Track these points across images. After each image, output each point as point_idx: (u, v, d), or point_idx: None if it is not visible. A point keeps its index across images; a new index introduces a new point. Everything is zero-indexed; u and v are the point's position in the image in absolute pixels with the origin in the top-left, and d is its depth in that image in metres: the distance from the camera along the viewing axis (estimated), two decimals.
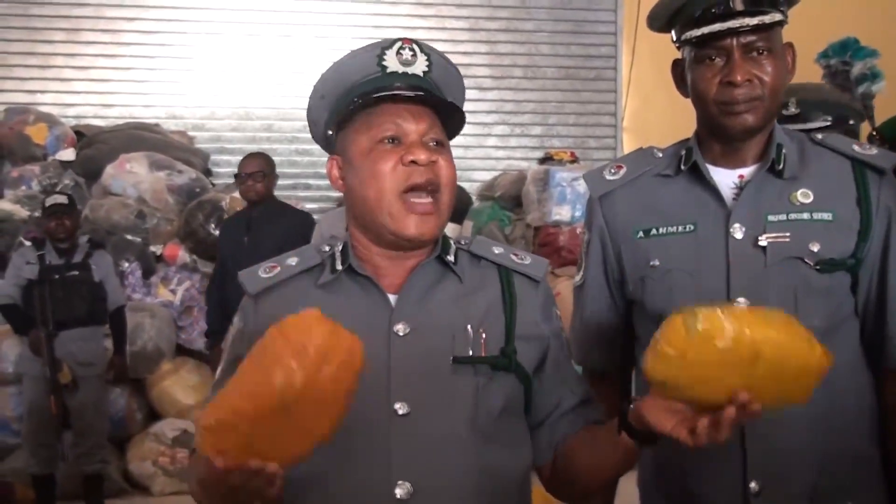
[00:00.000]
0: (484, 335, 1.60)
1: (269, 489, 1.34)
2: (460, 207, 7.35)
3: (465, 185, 7.90)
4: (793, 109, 2.82)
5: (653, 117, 8.05)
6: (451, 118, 1.67)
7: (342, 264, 1.65)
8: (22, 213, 6.77)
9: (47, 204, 5.38)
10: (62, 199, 5.41)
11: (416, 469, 1.52)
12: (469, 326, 1.60)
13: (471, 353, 1.58)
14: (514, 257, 1.72)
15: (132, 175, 6.92)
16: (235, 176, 5.48)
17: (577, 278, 2.12)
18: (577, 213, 6.84)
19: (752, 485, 1.84)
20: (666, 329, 1.37)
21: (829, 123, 2.86)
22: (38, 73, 8.18)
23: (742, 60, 1.81)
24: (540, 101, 8.96)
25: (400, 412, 1.53)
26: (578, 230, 6.54)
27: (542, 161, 7.84)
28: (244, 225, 5.32)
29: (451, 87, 1.72)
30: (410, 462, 1.52)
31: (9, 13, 8.12)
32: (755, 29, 1.81)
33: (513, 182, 7.54)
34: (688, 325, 1.34)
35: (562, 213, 6.90)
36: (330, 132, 1.70)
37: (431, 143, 1.61)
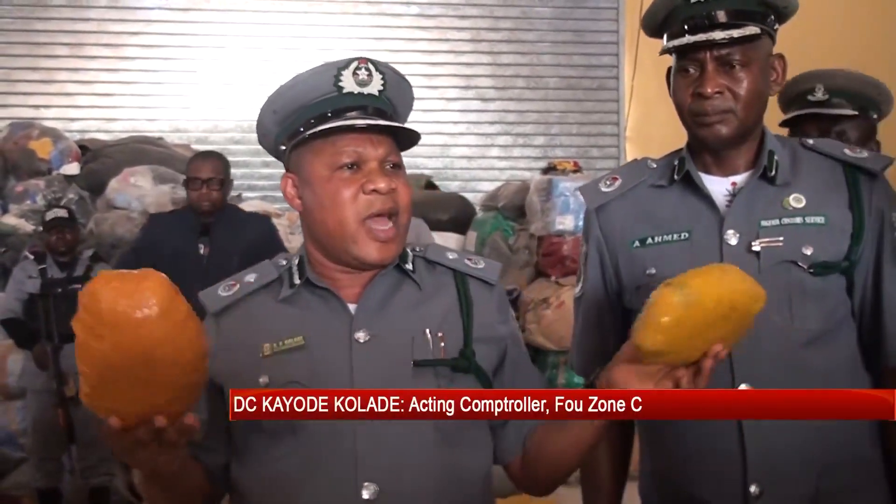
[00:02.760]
0: (443, 338, 1.64)
1: (167, 436, 1.37)
2: (463, 218, 7.35)
3: (469, 196, 7.91)
4: (819, 95, 2.84)
5: (656, 126, 8.04)
6: (405, 135, 1.69)
7: (300, 278, 1.69)
8: (27, 227, 6.77)
9: (47, 218, 5.39)
10: (62, 213, 5.42)
11: (381, 470, 1.56)
12: (428, 331, 1.64)
13: (431, 356, 1.62)
14: (468, 262, 1.77)
15: (136, 189, 6.92)
16: (186, 181, 4.70)
17: (577, 290, 2.14)
18: (581, 223, 6.80)
19: (753, 488, 1.85)
20: (659, 301, 1.45)
21: (855, 114, 2.87)
22: (42, 88, 8.21)
23: (714, 73, 1.85)
24: (542, 112, 8.97)
25: None
26: (581, 240, 6.52)
27: (546, 171, 7.83)
28: (196, 231, 4.57)
29: (403, 102, 1.74)
30: (376, 463, 1.56)
31: (12, 28, 8.15)
32: (731, 42, 1.83)
33: (516, 192, 7.53)
34: (680, 293, 1.44)
35: (565, 222, 6.88)
36: (282, 147, 1.72)
37: (389, 167, 1.64)
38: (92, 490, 5.34)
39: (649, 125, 8.44)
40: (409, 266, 1.72)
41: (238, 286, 1.74)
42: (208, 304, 1.73)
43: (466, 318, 1.68)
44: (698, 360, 1.47)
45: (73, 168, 7.37)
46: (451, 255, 1.77)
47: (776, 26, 1.93)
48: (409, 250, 1.75)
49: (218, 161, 4.74)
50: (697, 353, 1.47)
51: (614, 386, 1.48)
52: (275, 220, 7.07)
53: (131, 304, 1.29)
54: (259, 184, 8.30)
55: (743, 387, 1.83)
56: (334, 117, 1.62)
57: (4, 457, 5.70)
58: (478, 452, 1.69)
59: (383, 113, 1.66)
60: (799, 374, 1.81)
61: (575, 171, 7.66)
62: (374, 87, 1.65)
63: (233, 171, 8.16)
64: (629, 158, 8.25)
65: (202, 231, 4.57)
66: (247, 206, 7.36)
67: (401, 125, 1.66)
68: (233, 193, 7.92)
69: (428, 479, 1.59)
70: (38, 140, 7.40)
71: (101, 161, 7.33)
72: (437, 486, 1.59)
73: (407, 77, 1.74)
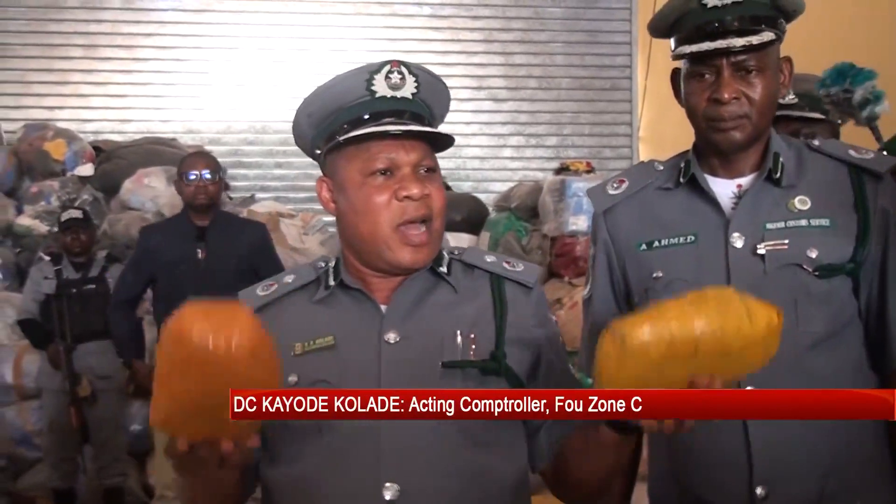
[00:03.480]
0: (474, 340, 1.63)
1: (230, 458, 1.39)
2: (476, 218, 7.35)
3: (482, 197, 7.91)
4: (788, 98, 2.83)
5: (669, 127, 8.01)
6: (440, 139, 1.68)
7: (334, 280, 1.70)
8: (41, 228, 6.81)
9: (62, 219, 5.42)
10: (77, 214, 5.45)
11: (404, 471, 1.55)
12: (459, 332, 1.63)
13: (460, 358, 1.61)
14: (506, 265, 1.75)
15: (150, 189, 6.95)
16: (178, 180, 4.60)
17: (585, 292, 2.16)
18: None
19: (759, 490, 1.85)
20: (599, 352, 1.41)
21: (822, 118, 2.88)
22: (57, 90, 8.25)
23: (731, 79, 1.85)
24: (555, 112, 8.96)
25: None
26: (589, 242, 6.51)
27: (558, 171, 7.82)
28: (193, 237, 4.50)
29: (438, 103, 1.73)
30: (399, 464, 1.55)
31: (26, 30, 8.20)
32: (746, 49, 1.83)
33: (529, 193, 7.52)
34: (616, 342, 1.38)
35: (578, 223, 6.87)
36: (318, 150, 1.72)
37: (423, 171, 1.64)
38: (106, 490, 5.37)
39: (662, 125, 8.42)
40: (444, 269, 1.70)
41: (276, 286, 1.75)
42: (246, 302, 1.72)
43: (499, 320, 1.66)
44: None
45: (87, 169, 7.41)
46: (488, 259, 1.76)
47: (785, 28, 1.93)
48: (445, 253, 1.74)
49: (210, 158, 4.74)
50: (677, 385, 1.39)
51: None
52: (287, 221, 7.12)
53: (225, 343, 1.29)
54: (272, 185, 8.32)
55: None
56: (369, 122, 1.61)
57: (20, 457, 5.73)
58: (510, 457, 1.66)
59: (418, 116, 1.65)
60: (804, 377, 1.80)
61: (588, 172, 7.65)
62: (408, 90, 1.64)
63: (245, 171, 8.32)
64: (642, 158, 8.27)
65: (198, 236, 4.51)
66: (259, 207, 7.39)
67: (432, 130, 1.64)
68: (245, 194, 7.98)
69: (451, 480, 1.57)
70: (52, 141, 7.44)
71: (114, 162, 7.37)
72: (460, 487, 1.57)
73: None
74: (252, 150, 8.34)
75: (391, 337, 1.62)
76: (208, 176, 4.43)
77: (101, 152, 7.60)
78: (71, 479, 5.36)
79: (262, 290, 1.75)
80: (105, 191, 7.29)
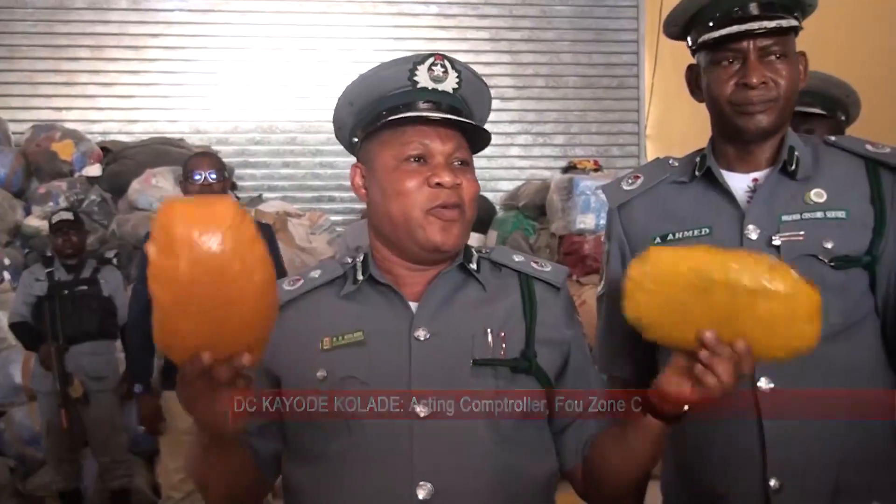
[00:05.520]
0: (504, 339, 1.62)
1: (240, 381, 1.39)
2: (484, 217, 7.35)
3: (489, 195, 7.91)
4: None
5: (676, 125, 8.02)
6: (477, 136, 1.68)
7: (363, 274, 1.69)
8: None
9: (53, 220, 5.39)
10: (67, 216, 5.42)
11: (437, 470, 1.54)
12: (489, 330, 1.62)
13: (491, 356, 1.60)
14: (534, 265, 1.75)
15: (158, 189, 6.96)
16: (183, 181, 4.49)
17: (600, 288, 2.17)
18: (602, 222, 6.83)
19: (773, 482, 1.85)
20: (626, 277, 1.46)
21: (823, 113, 2.87)
22: (64, 90, 8.26)
23: (758, 63, 1.86)
24: (562, 110, 8.95)
25: (421, 414, 1.55)
26: (603, 238, 6.51)
27: (566, 170, 7.83)
28: None
29: (479, 103, 1.74)
30: (432, 463, 1.54)
31: (34, 31, 8.21)
32: (771, 32, 1.84)
33: (536, 191, 7.53)
34: (643, 265, 1.44)
35: (586, 221, 6.88)
36: (355, 139, 1.72)
37: (456, 163, 1.63)
38: (112, 492, 5.37)
39: (670, 123, 8.41)
40: (474, 266, 1.70)
41: (302, 281, 1.74)
42: None
43: (530, 320, 1.66)
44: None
45: (94, 169, 7.43)
46: (517, 258, 1.75)
47: (801, 23, 1.93)
48: (474, 251, 1.74)
49: (216, 158, 4.70)
50: (691, 334, 1.43)
51: (664, 394, 1.49)
52: (295, 221, 7.13)
53: (205, 222, 1.31)
54: (279, 184, 8.31)
55: (763, 381, 1.83)
56: (407, 110, 1.62)
57: (30, 457, 5.74)
58: (540, 456, 1.66)
59: (457, 111, 1.65)
60: (821, 369, 1.79)
61: (595, 170, 7.66)
62: (449, 84, 1.65)
63: (253, 171, 8.32)
64: (650, 157, 8.25)
65: None
66: (267, 207, 7.40)
67: (469, 122, 1.64)
68: (253, 194, 7.99)
69: (484, 480, 1.56)
70: (60, 142, 7.46)
71: (122, 162, 7.38)
72: (493, 487, 1.56)
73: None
74: (259, 150, 8.34)
75: (421, 334, 1.61)
76: (214, 176, 4.36)
77: (109, 153, 7.61)
78: (73, 480, 5.36)
79: (288, 285, 1.74)
80: (113, 191, 7.30)
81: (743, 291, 1.40)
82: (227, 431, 1.45)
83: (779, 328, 1.44)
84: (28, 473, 5.76)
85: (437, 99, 1.64)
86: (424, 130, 1.62)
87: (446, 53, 1.68)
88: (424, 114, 1.61)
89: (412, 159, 1.61)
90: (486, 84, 1.75)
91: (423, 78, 1.63)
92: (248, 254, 1.34)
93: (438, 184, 1.59)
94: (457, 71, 1.66)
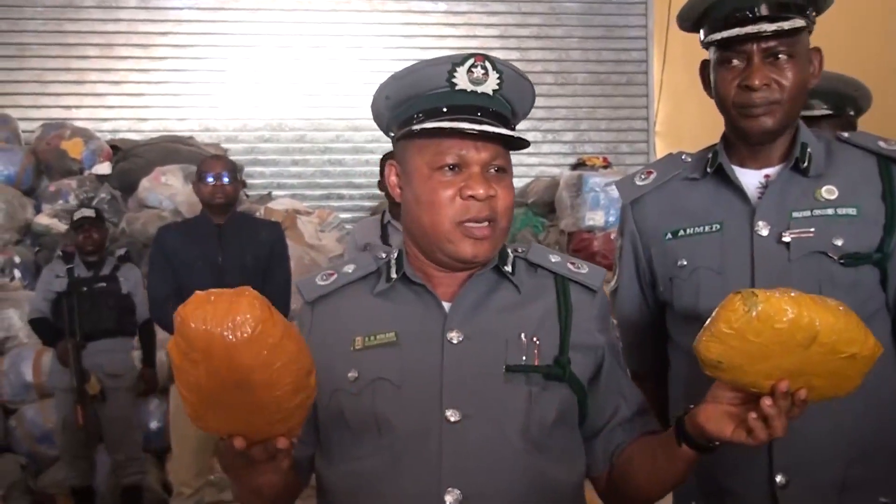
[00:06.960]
0: (538, 344, 1.59)
1: (275, 461, 1.40)
2: None
3: None
4: None
5: (685, 121, 8.00)
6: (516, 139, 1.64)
7: (396, 272, 1.66)
8: (60, 227, 6.86)
9: (75, 218, 5.44)
10: (89, 213, 5.45)
11: (466, 476, 1.51)
12: (523, 335, 1.59)
13: (524, 361, 1.57)
14: (570, 266, 1.71)
15: (167, 187, 6.98)
16: (196, 182, 4.60)
17: (612, 283, 2.16)
18: (611, 219, 6.83)
19: (779, 478, 1.85)
20: (724, 309, 1.36)
21: (830, 113, 2.86)
22: (74, 89, 8.28)
23: (761, 65, 1.85)
24: (572, 107, 8.95)
25: (451, 419, 1.53)
26: (612, 235, 6.53)
27: (575, 167, 7.84)
28: (215, 237, 4.51)
29: (521, 101, 1.69)
30: (460, 469, 1.51)
31: (44, 30, 8.23)
32: (776, 34, 1.83)
33: (546, 188, 7.53)
34: (747, 304, 1.33)
35: (595, 218, 6.88)
36: (391, 134, 1.69)
37: (493, 171, 1.59)
38: (124, 489, 5.38)
39: (679, 119, 8.40)
40: (508, 268, 1.66)
41: (336, 276, 1.72)
42: (304, 292, 1.71)
43: (564, 325, 1.62)
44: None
45: (104, 168, 7.45)
46: (553, 258, 1.71)
47: (815, 19, 1.92)
48: (509, 251, 1.70)
49: (228, 161, 4.82)
50: (765, 381, 1.38)
51: (701, 428, 1.45)
52: (304, 219, 7.14)
53: (221, 330, 1.24)
54: (288, 182, 8.32)
55: None
56: (445, 115, 1.56)
57: (41, 455, 5.76)
58: (569, 462, 1.63)
59: (496, 114, 1.60)
60: None
61: (604, 167, 7.66)
62: (489, 86, 1.59)
63: (262, 169, 8.33)
64: (659, 153, 8.25)
65: (217, 234, 4.52)
66: (276, 205, 7.40)
67: (506, 132, 1.57)
68: (262, 192, 8.01)
69: (513, 486, 1.53)
70: (69, 140, 7.48)
71: (132, 160, 7.40)
72: (522, 493, 1.53)
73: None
74: (268, 148, 8.35)
75: (454, 337, 1.58)
76: (226, 178, 4.49)
77: (119, 151, 7.64)
78: (88, 477, 5.37)
79: (321, 280, 1.72)
80: (122, 189, 7.33)
81: (840, 354, 1.37)
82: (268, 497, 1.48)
83: (840, 380, 1.42)
84: (39, 471, 5.78)
85: (476, 102, 1.58)
86: (461, 140, 1.56)
87: (494, 57, 1.62)
88: (459, 126, 1.54)
89: (447, 168, 1.56)
90: (529, 81, 1.69)
91: (461, 80, 1.57)
92: (274, 358, 1.28)
93: (471, 196, 1.55)
94: (498, 71, 1.60)
